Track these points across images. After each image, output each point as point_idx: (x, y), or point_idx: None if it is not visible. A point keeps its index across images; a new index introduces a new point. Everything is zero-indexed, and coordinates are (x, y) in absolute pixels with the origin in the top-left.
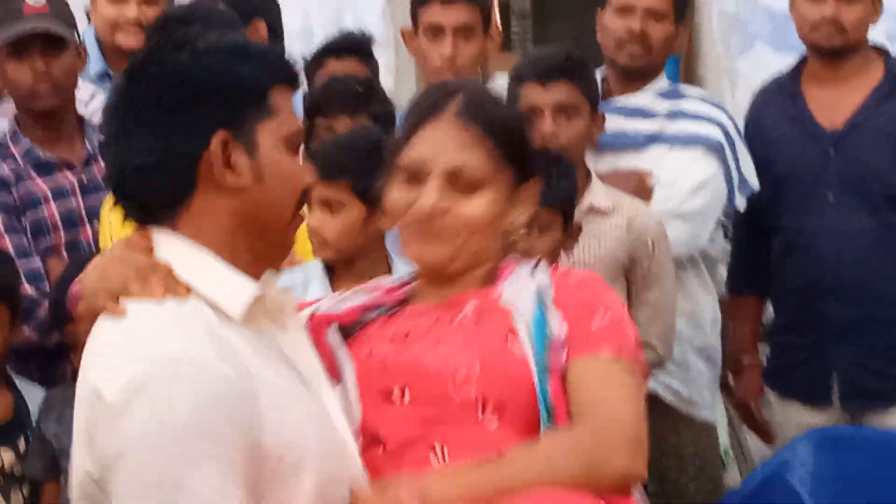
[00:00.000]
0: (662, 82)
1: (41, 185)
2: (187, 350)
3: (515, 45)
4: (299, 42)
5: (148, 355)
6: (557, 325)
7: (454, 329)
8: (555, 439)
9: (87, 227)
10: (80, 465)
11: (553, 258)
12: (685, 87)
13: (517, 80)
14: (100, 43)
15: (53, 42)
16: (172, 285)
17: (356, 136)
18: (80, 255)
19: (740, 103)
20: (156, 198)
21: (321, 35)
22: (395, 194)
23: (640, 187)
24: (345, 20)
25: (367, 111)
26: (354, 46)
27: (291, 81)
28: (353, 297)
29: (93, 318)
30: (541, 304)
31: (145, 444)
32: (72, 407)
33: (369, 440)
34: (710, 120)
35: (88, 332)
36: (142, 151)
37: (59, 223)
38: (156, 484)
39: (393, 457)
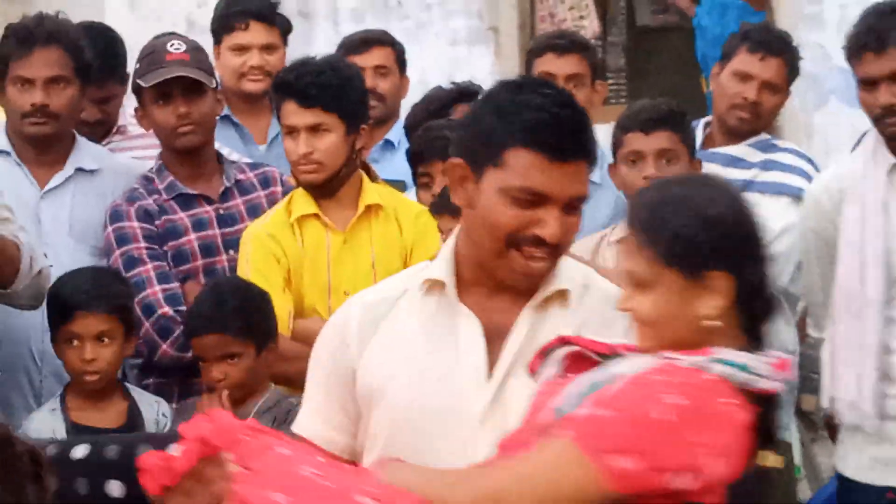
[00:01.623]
0: (759, 135)
1: (182, 216)
2: (354, 298)
3: (611, 99)
4: (416, 93)
5: None
6: (579, 406)
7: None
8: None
9: (224, 255)
10: None
11: None
12: (778, 140)
13: (622, 128)
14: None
15: (194, 87)
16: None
17: None
18: (217, 280)
19: (815, 154)
20: None
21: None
22: None
23: None
24: (457, 74)
25: None
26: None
27: (539, 148)
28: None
29: None
30: (593, 387)
31: None
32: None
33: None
34: (799, 172)
35: None
36: None
37: (198, 252)
38: None
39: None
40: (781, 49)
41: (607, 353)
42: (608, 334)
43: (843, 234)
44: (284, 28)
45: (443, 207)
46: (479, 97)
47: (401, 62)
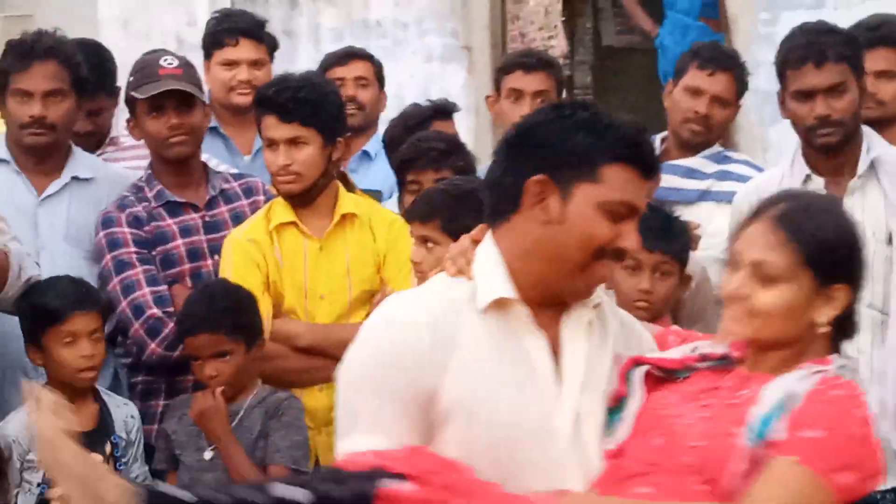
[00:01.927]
0: (712, 147)
1: (170, 223)
2: (407, 314)
3: None
4: (393, 107)
5: (384, 313)
6: (775, 429)
7: (717, 403)
8: None
9: (209, 259)
10: None
11: (671, 300)
12: (732, 152)
13: None
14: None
15: (185, 100)
16: (464, 269)
17: (448, 185)
18: (207, 283)
19: (770, 167)
20: (492, 206)
21: (412, 101)
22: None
23: (688, 236)
24: (432, 89)
25: (450, 165)
26: (438, 111)
27: (634, 164)
28: (680, 352)
29: None
30: (779, 408)
31: (342, 377)
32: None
33: (616, 453)
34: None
35: None
36: (494, 172)
37: (185, 257)
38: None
39: (614, 478)
40: (730, 65)
41: (678, 368)
42: (626, 345)
43: None
44: (271, 45)
45: (415, 214)
46: (551, 115)
47: (379, 77)
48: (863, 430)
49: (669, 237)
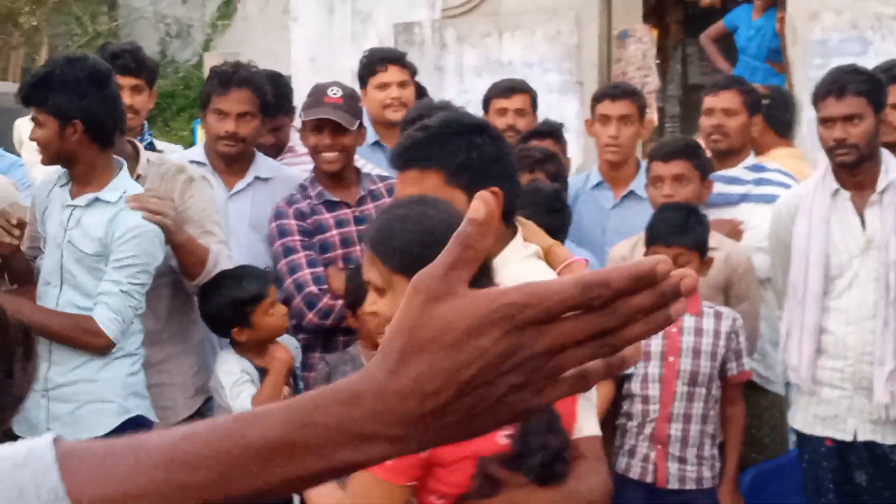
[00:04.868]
0: (749, 159)
1: (327, 217)
2: None
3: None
4: None
5: None
6: None
7: None
8: None
9: (358, 247)
10: None
11: None
12: (767, 162)
13: (650, 158)
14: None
15: (340, 124)
16: None
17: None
18: (353, 267)
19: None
20: None
21: None
22: None
23: (733, 231)
24: (552, 115)
25: (543, 170)
26: (549, 131)
27: None
28: None
29: None
30: None
31: None
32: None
33: None
34: (784, 185)
35: None
36: None
37: (338, 244)
38: None
39: None
40: (730, 84)
41: None
42: None
43: (794, 239)
44: (412, 70)
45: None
46: None
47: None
48: None
49: (685, 232)
